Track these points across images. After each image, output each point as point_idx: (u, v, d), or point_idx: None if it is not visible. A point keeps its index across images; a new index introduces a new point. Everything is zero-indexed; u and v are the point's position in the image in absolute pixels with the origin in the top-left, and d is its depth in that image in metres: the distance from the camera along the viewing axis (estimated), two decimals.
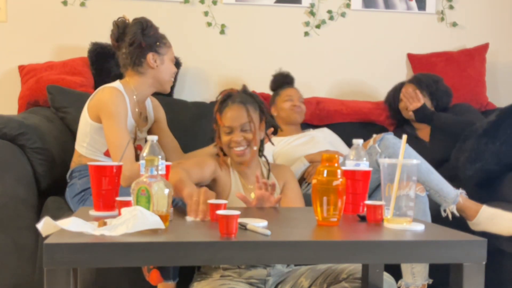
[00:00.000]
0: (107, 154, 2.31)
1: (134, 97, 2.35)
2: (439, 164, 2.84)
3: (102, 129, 2.24)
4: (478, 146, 2.64)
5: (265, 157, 2.23)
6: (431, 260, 1.36)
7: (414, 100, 2.99)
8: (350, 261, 1.66)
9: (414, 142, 2.97)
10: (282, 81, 3.13)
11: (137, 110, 2.37)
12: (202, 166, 2.07)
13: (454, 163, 2.76)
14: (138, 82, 2.35)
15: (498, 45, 3.60)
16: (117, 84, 2.34)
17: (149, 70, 2.35)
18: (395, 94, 3.18)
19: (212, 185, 2.13)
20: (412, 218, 1.49)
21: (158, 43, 2.35)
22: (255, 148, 2.11)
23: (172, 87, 3.18)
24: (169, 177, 1.71)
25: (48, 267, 1.18)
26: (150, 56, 2.33)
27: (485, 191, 2.65)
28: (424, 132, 3.09)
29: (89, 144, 2.32)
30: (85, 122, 2.32)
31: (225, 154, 2.20)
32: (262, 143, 2.21)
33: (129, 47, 2.33)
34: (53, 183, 2.46)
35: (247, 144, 2.09)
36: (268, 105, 3.11)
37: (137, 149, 2.37)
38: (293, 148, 2.86)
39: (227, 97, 2.15)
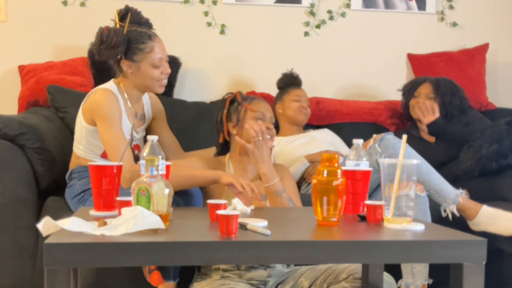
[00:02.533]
0: (103, 156, 2.30)
1: (126, 96, 2.34)
2: (443, 165, 2.84)
3: (98, 132, 2.23)
4: (500, 131, 2.67)
5: None
6: (431, 260, 1.36)
7: (429, 113, 2.95)
8: (350, 261, 1.67)
9: (418, 143, 2.97)
10: (292, 81, 3.13)
11: (132, 109, 2.36)
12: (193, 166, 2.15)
13: (464, 153, 2.75)
14: (125, 84, 2.33)
15: (498, 45, 3.60)
16: (110, 84, 2.32)
17: (129, 75, 2.31)
18: (412, 87, 3.15)
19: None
20: (412, 218, 1.49)
21: (126, 50, 2.25)
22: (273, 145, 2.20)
23: (172, 87, 3.18)
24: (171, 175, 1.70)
25: (48, 267, 1.18)
26: (123, 64, 2.28)
27: (485, 190, 2.65)
28: (427, 134, 3.08)
29: (85, 147, 2.31)
30: (80, 125, 2.31)
31: (226, 150, 2.25)
32: None
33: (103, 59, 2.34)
34: (53, 183, 2.46)
35: (271, 135, 2.18)
36: (273, 102, 3.12)
37: (135, 149, 2.36)
38: (293, 148, 2.86)
39: (247, 96, 2.30)
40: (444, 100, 3.02)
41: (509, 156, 2.65)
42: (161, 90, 2.36)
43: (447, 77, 3.15)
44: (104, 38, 2.21)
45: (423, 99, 3.04)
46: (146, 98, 2.48)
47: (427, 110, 2.95)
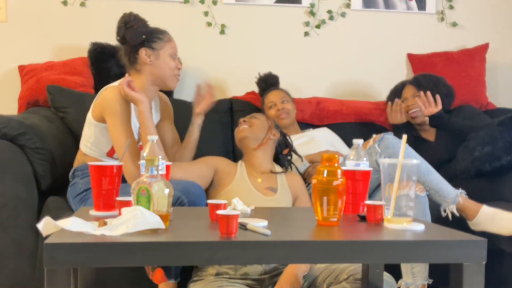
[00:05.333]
0: (109, 154, 2.31)
1: None
2: (444, 163, 2.84)
3: (106, 129, 2.24)
4: (493, 132, 2.67)
5: (289, 165, 2.51)
6: (431, 260, 1.36)
7: (430, 105, 2.93)
8: (350, 261, 1.67)
9: (419, 143, 2.97)
10: (265, 86, 3.11)
11: None
12: (200, 162, 2.37)
13: (460, 153, 2.75)
14: (139, 81, 2.34)
15: (498, 45, 3.60)
16: None
17: (145, 66, 2.34)
18: (396, 95, 3.16)
19: (215, 174, 2.36)
20: (412, 218, 1.49)
21: (147, 37, 2.32)
22: (272, 136, 2.46)
23: None
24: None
25: (48, 267, 1.18)
26: (142, 52, 2.32)
27: (485, 190, 2.65)
28: (427, 133, 3.08)
29: (92, 144, 2.32)
30: (89, 122, 2.33)
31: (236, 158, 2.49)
32: (282, 148, 2.53)
33: (122, 45, 2.37)
34: (53, 183, 2.46)
35: (249, 125, 2.46)
36: None
37: (140, 149, 2.37)
38: None
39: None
40: (432, 93, 3.02)
41: (502, 158, 2.64)
42: (175, 85, 2.42)
43: (424, 72, 3.17)
44: (129, 19, 2.30)
45: (411, 101, 3.04)
46: (156, 100, 2.50)
47: (428, 102, 2.94)
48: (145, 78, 2.35)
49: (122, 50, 2.39)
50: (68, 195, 2.35)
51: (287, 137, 2.59)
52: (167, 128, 2.55)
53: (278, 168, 2.47)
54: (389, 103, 3.12)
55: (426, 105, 2.94)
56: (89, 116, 2.33)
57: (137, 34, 2.31)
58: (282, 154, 2.52)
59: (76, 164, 2.38)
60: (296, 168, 2.59)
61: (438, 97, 2.95)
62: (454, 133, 2.89)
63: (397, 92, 3.16)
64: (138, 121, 2.31)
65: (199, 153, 2.56)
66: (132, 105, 2.29)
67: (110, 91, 2.27)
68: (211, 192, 2.33)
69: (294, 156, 2.71)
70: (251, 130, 2.44)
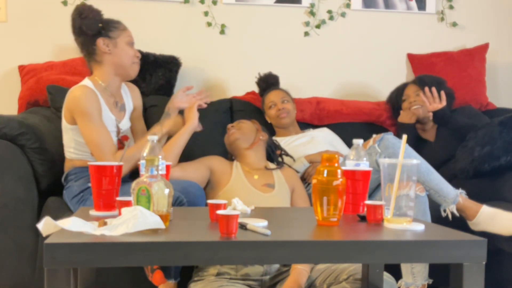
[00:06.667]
0: None
1: (106, 88, 2.34)
2: (444, 163, 2.84)
3: None
4: (492, 133, 2.66)
5: (279, 162, 2.55)
6: (431, 260, 1.36)
7: (435, 101, 2.95)
8: (350, 261, 1.67)
9: (419, 143, 2.97)
10: (265, 86, 3.11)
11: (111, 100, 2.37)
12: (197, 162, 2.41)
13: (459, 153, 2.75)
14: (101, 72, 2.35)
15: (498, 45, 3.60)
16: (85, 81, 2.34)
17: (105, 56, 2.33)
18: (398, 95, 3.16)
19: (212, 174, 2.39)
20: (412, 218, 1.49)
21: (104, 26, 2.32)
22: (262, 137, 2.54)
23: (172, 87, 3.18)
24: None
25: (48, 267, 1.18)
26: (100, 41, 2.32)
27: (485, 190, 2.65)
28: (427, 133, 3.08)
29: (75, 148, 2.32)
30: (65, 128, 2.33)
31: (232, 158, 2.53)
32: (272, 148, 2.60)
33: (77, 37, 2.35)
34: (53, 183, 2.46)
35: (237, 129, 2.53)
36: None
37: (123, 140, 2.37)
38: (293, 148, 2.86)
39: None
40: (436, 90, 3.02)
41: (501, 158, 2.64)
42: (135, 73, 2.42)
43: (424, 73, 3.19)
44: (83, 10, 2.29)
45: (413, 98, 3.04)
46: (125, 89, 2.50)
47: (432, 97, 2.95)
48: (107, 68, 2.35)
49: (79, 44, 2.38)
50: (65, 198, 2.35)
51: (274, 140, 2.65)
52: (137, 119, 2.56)
53: (272, 165, 2.52)
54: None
55: (431, 101, 2.94)
56: (63, 121, 2.33)
57: (93, 23, 2.30)
58: (275, 153, 2.57)
59: (66, 169, 2.39)
60: (289, 166, 2.60)
61: (442, 93, 2.96)
62: (456, 131, 2.90)
63: (398, 93, 3.16)
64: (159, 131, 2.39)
65: (199, 153, 2.56)
66: (101, 98, 2.28)
67: (76, 91, 2.26)
68: (210, 193, 2.34)
69: (295, 157, 2.72)
70: (241, 132, 2.51)
